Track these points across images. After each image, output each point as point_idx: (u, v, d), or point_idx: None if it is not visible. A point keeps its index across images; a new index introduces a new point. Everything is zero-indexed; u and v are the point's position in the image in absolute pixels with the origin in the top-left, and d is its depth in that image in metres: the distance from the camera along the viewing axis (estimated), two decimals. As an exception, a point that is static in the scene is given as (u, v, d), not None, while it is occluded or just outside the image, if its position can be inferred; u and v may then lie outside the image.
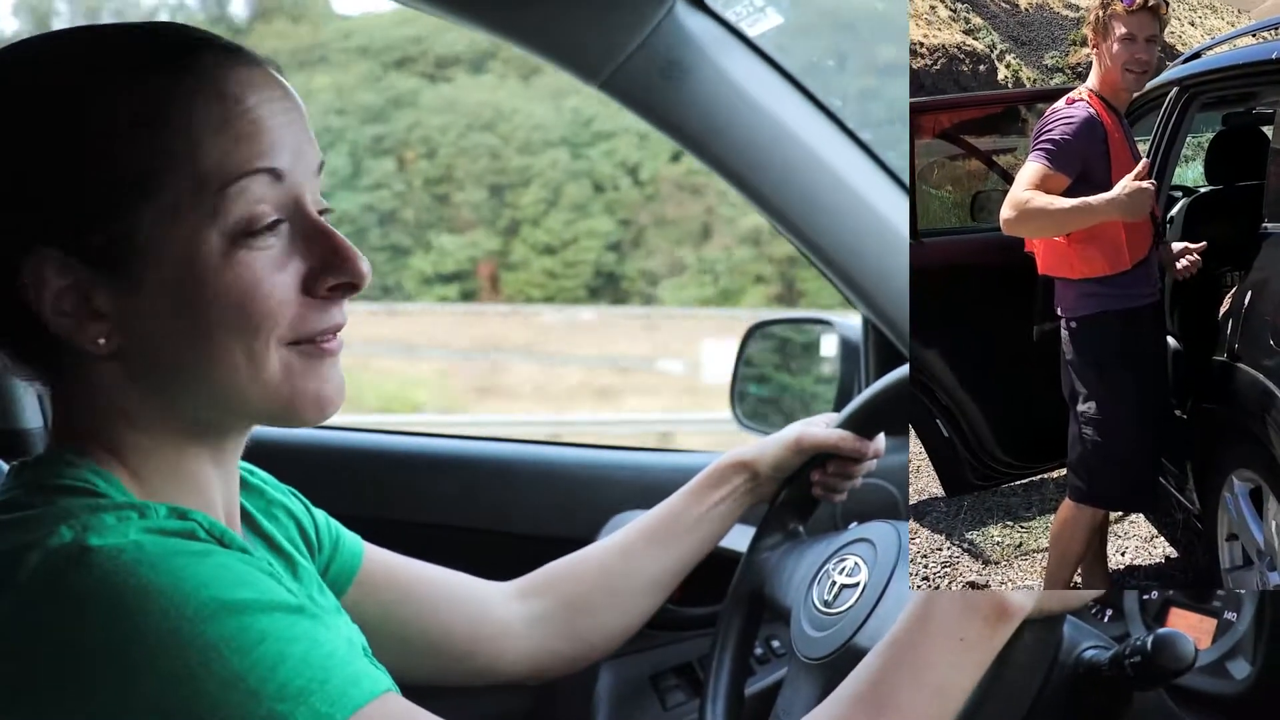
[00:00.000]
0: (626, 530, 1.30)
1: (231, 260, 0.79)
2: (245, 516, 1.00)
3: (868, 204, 1.48)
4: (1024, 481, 1.76)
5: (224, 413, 0.85)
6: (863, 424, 1.26)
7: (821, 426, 1.29)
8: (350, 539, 1.14)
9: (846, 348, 1.76)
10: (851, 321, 1.76)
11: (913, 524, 1.37)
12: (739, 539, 1.42)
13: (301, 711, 0.70)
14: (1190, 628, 1.20)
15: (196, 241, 0.79)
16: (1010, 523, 1.73)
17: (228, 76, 0.81)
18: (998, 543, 1.68)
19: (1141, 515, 1.60)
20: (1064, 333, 1.29)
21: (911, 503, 1.70)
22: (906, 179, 1.53)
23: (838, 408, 1.78)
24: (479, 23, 1.31)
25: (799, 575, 1.22)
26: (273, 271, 0.81)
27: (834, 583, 1.14)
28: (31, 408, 1.49)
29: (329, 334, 0.85)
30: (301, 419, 0.85)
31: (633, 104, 1.38)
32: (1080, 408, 1.29)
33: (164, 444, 0.84)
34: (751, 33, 1.39)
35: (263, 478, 1.08)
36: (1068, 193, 1.21)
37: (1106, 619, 1.33)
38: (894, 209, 1.50)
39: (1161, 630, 0.90)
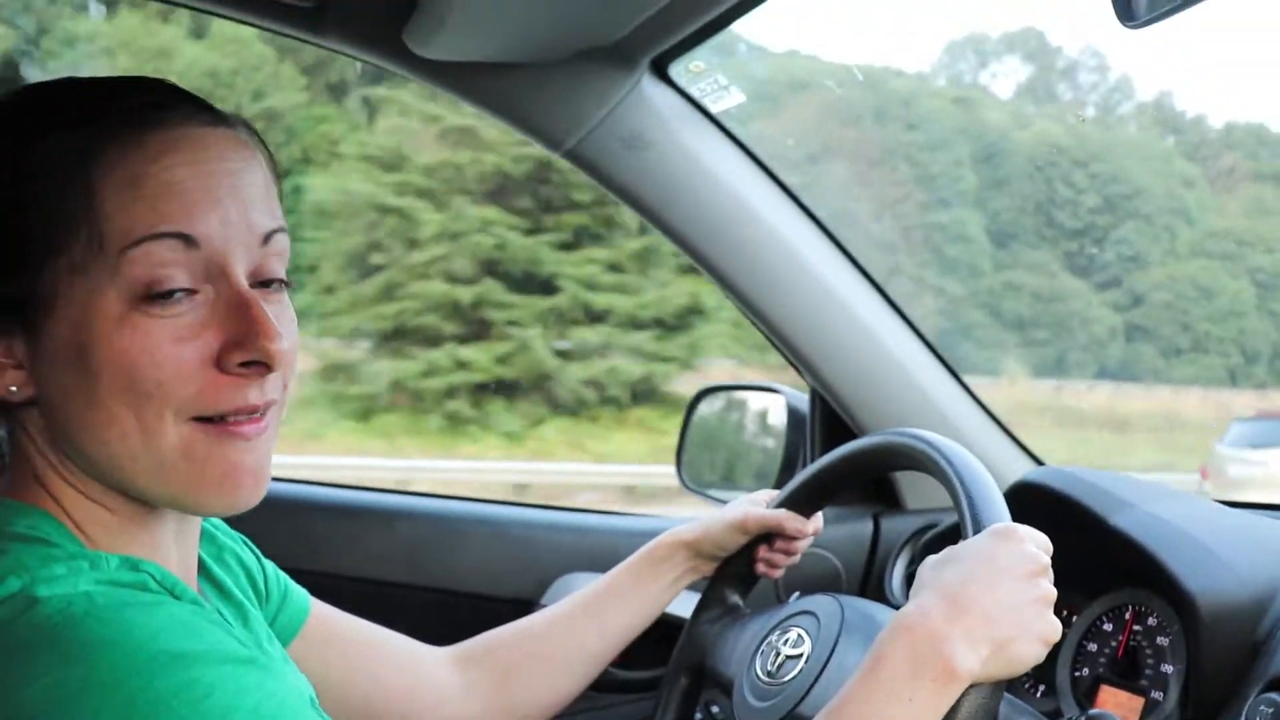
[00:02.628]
0: (566, 602, 1.30)
1: (126, 324, 0.77)
2: (198, 563, 1.00)
3: (819, 279, 1.52)
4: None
5: (127, 487, 0.82)
6: (805, 501, 1.29)
7: (763, 504, 1.31)
8: (298, 593, 1.14)
9: (794, 417, 1.79)
10: (800, 392, 1.79)
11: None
12: (683, 605, 1.44)
13: None
14: (1119, 706, 1.24)
15: (94, 302, 0.77)
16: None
17: (151, 136, 0.78)
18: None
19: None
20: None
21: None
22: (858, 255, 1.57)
23: (783, 475, 1.81)
24: (450, 90, 1.33)
25: (741, 646, 1.24)
26: (172, 341, 0.78)
27: (778, 653, 1.16)
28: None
29: (242, 414, 0.81)
30: (203, 504, 0.82)
31: (594, 174, 1.41)
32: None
33: (102, 498, 0.83)
34: (714, 109, 1.43)
35: (213, 523, 1.07)
36: None
37: (1039, 695, 1.36)
38: (844, 284, 1.54)
39: (1093, 710, 0.94)
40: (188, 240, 0.77)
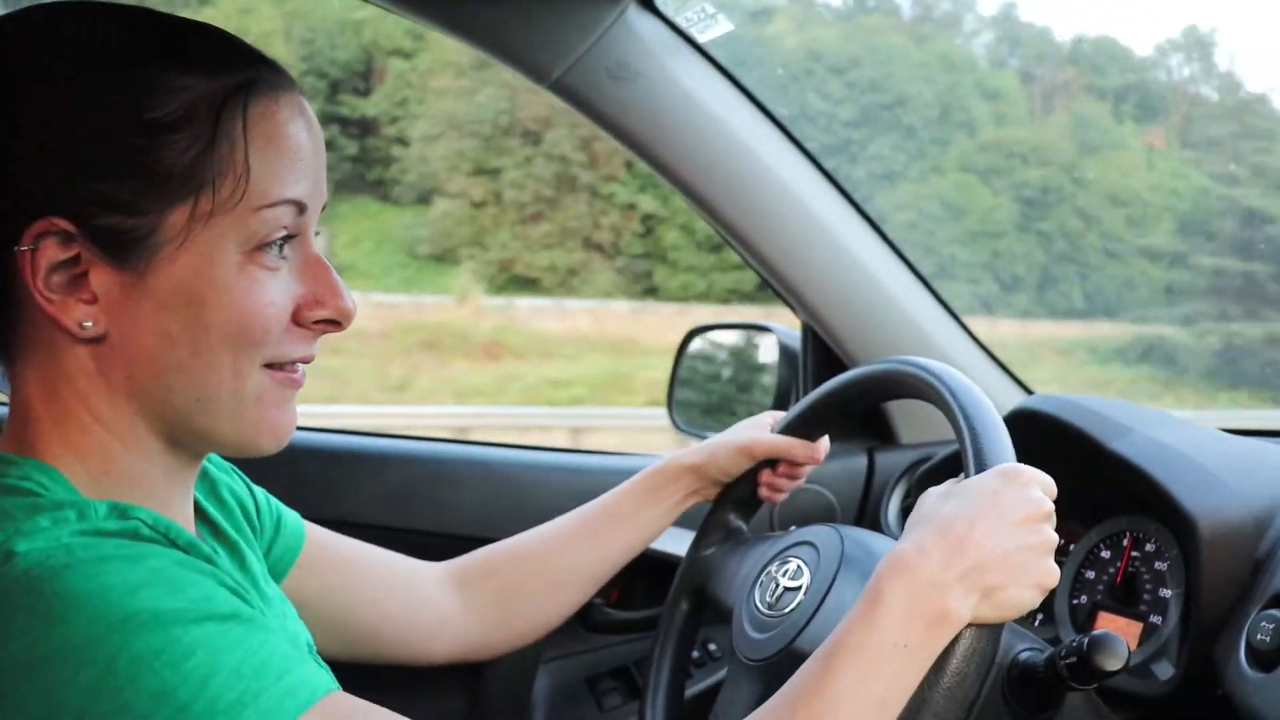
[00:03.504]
0: (566, 519, 1.30)
1: (244, 275, 0.80)
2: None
3: (811, 211, 1.50)
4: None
5: (189, 426, 0.83)
6: (809, 426, 1.28)
7: (767, 427, 1.30)
8: (291, 518, 1.13)
9: (785, 354, 1.77)
10: (790, 328, 1.78)
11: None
12: (677, 544, 1.43)
13: None
14: (1118, 631, 1.24)
15: (218, 251, 0.79)
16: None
17: (283, 97, 0.82)
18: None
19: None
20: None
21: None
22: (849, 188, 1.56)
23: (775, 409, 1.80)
24: (432, 21, 1.30)
25: (741, 575, 1.23)
26: (276, 293, 0.82)
27: (777, 585, 1.15)
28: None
29: (301, 363, 0.86)
30: (257, 446, 0.86)
31: (581, 106, 1.38)
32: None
33: (121, 447, 0.83)
34: (702, 39, 1.40)
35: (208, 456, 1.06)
36: None
37: (1037, 622, 1.36)
38: (835, 216, 1.52)
39: (1096, 632, 0.93)
40: (299, 206, 0.82)
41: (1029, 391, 1.67)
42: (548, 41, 1.31)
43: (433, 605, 1.21)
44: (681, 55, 1.39)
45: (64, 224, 0.76)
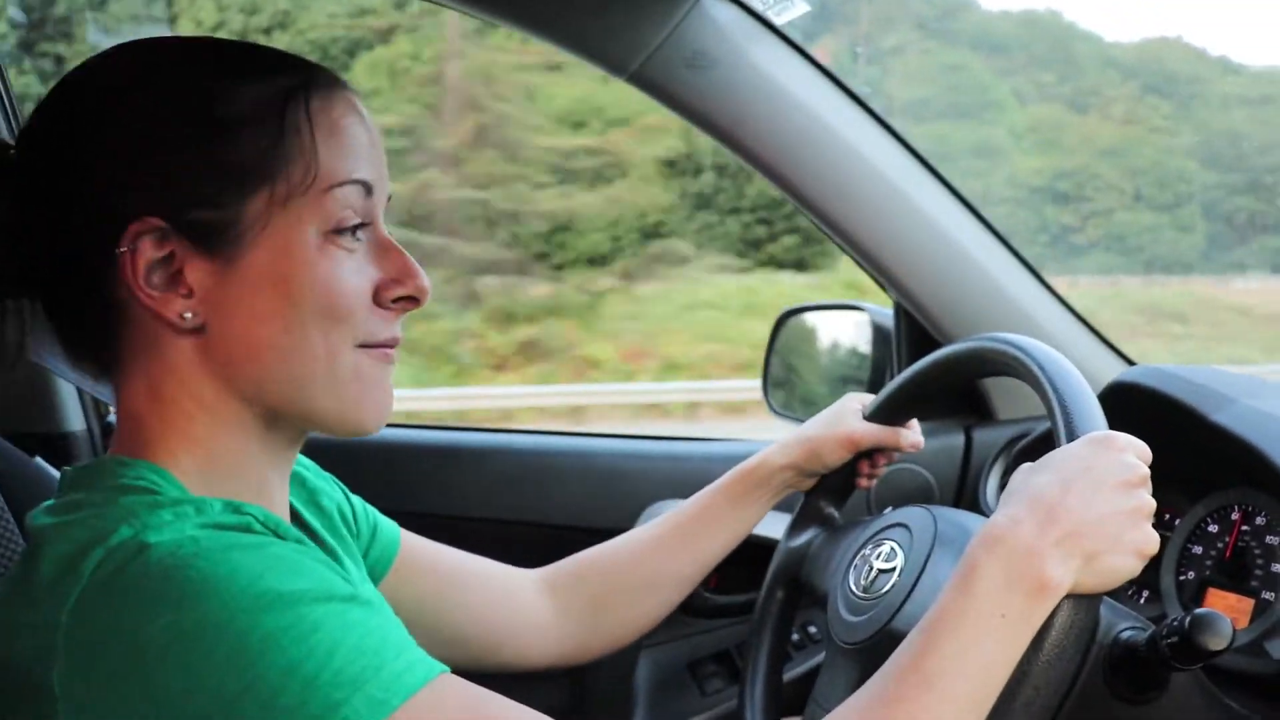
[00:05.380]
0: (660, 523, 1.31)
1: (325, 255, 0.85)
2: (290, 510, 1.02)
3: (899, 190, 1.48)
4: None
5: (291, 406, 0.87)
6: (899, 409, 1.27)
7: (858, 413, 1.30)
8: (387, 526, 1.16)
9: (879, 334, 1.76)
10: (883, 308, 1.76)
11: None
12: (772, 526, 1.43)
13: (358, 698, 0.71)
14: (1228, 608, 1.21)
15: (297, 233, 0.84)
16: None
17: (338, 94, 0.88)
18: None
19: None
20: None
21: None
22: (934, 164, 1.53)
23: (870, 394, 1.79)
24: (508, 20, 1.31)
25: (835, 561, 1.23)
26: (355, 273, 0.87)
27: (871, 568, 1.14)
28: (75, 411, 1.52)
29: (390, 345, 0.90)
30: (361, 425, 0.90)
31: (661, 96, 1.38)
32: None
33: (227, 435, 0.87)
34: (779, 21, 1.39)
35: (303, 463, 1.10)
36: None
37: (1143, 600, 1.33)
38: (922, 192, 1.50)
39: (1199, 610, 0.91)
40: (367, 189, 0.88)
41: (1131, 363, 1.63)
42: (623, 34, 1.32)
43: (528, 612, 1.23)
44: (758, 39, 1.39)
45: (157, 222, 0.82)
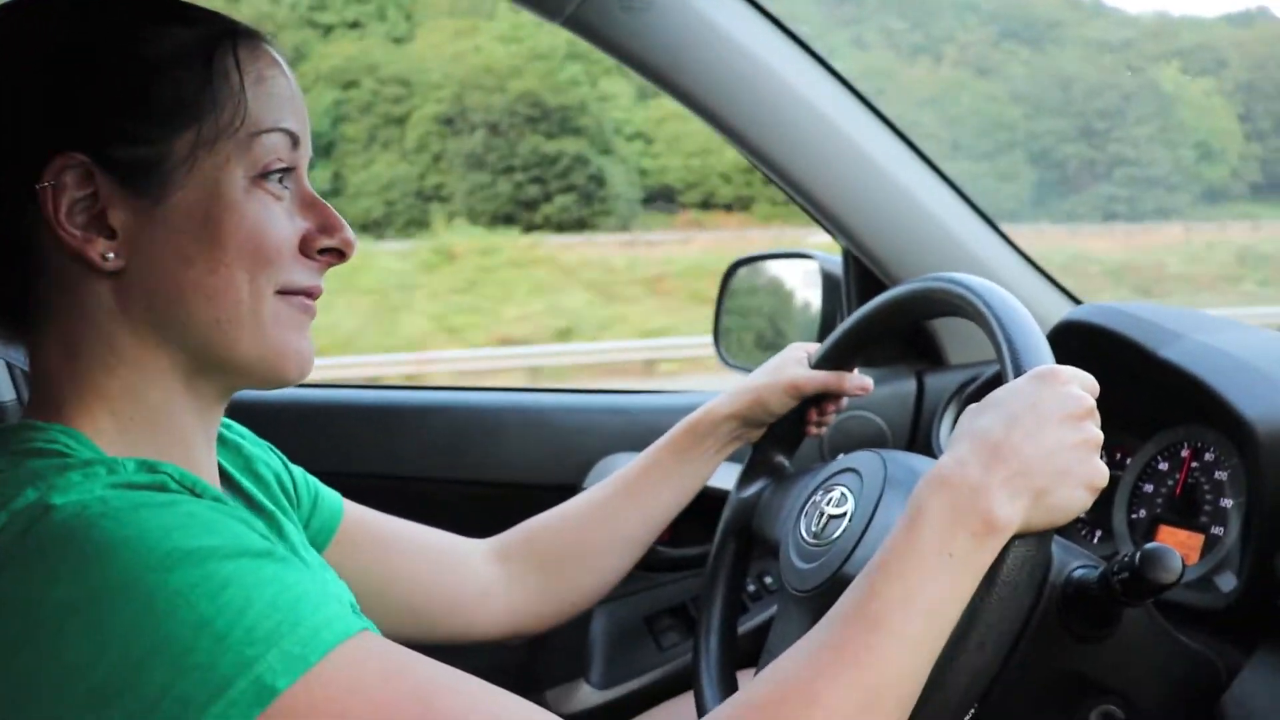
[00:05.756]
0: (607, 484, 1.29)
1: (253, 198, 0.84)
2: (223, 475, 0.99)
3: (842, 133, 1.46)
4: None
5: (213, 352, 0.85)
6: (847, 353, 1.25)
7: (804, 361, 1.28)
8: (329, 495, 1.13)
9: (828, 281, 1.74)
10: (833, 255, 1.74)
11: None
12: (724, 478, 1.41)
13: (272, 654, 0.69)
14: (1179, 544, 1.21)
15: (225, 174, 0.83)
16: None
17: (264, 49, 0.88)
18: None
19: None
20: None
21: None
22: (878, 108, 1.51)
23: (821, 341, 1.78)
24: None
25: (786, 509, 1.22)
26: (284, 217, 0.86)
27: (822, 514, 1.13)
28: (3, 381, 1.46)
29: (312, 295, 0.89)
30: (283, 372, 0.88)
31: (596, 40, 1.35)
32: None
33: (147, 389, 0.84)
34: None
35: (239, 432, 1.07)
36: None
37: (1096, 540, 1.33)
38: (868, 136, 1.48)
39: (1148, 545, 0.90)
40: (293, 138, 0.87)
41: (1078, 302, 1.62)
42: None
43: (477, 582, 1.21)
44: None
45: (82, 157, 0.79)
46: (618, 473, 1.30)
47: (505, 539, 1.26)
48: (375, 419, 1.60)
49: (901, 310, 1.17)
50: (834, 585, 1.06)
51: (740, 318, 1.91)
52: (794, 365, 1.28)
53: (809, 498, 1.18)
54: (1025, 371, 0.91)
